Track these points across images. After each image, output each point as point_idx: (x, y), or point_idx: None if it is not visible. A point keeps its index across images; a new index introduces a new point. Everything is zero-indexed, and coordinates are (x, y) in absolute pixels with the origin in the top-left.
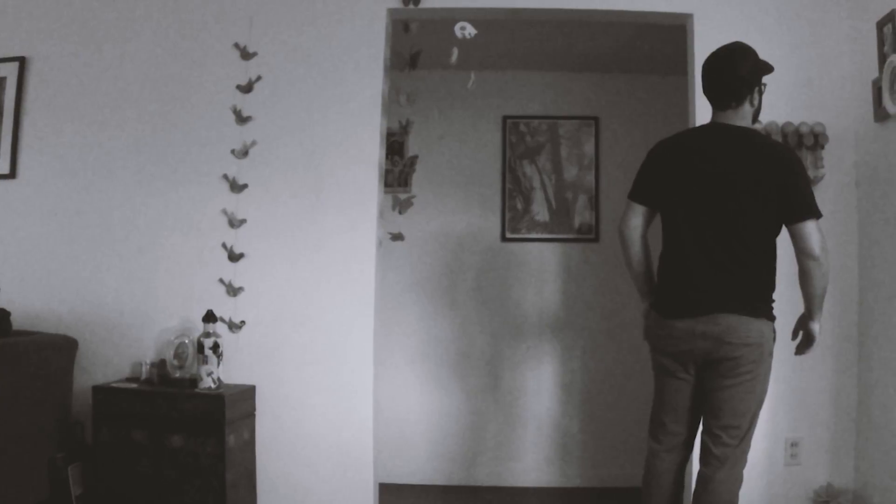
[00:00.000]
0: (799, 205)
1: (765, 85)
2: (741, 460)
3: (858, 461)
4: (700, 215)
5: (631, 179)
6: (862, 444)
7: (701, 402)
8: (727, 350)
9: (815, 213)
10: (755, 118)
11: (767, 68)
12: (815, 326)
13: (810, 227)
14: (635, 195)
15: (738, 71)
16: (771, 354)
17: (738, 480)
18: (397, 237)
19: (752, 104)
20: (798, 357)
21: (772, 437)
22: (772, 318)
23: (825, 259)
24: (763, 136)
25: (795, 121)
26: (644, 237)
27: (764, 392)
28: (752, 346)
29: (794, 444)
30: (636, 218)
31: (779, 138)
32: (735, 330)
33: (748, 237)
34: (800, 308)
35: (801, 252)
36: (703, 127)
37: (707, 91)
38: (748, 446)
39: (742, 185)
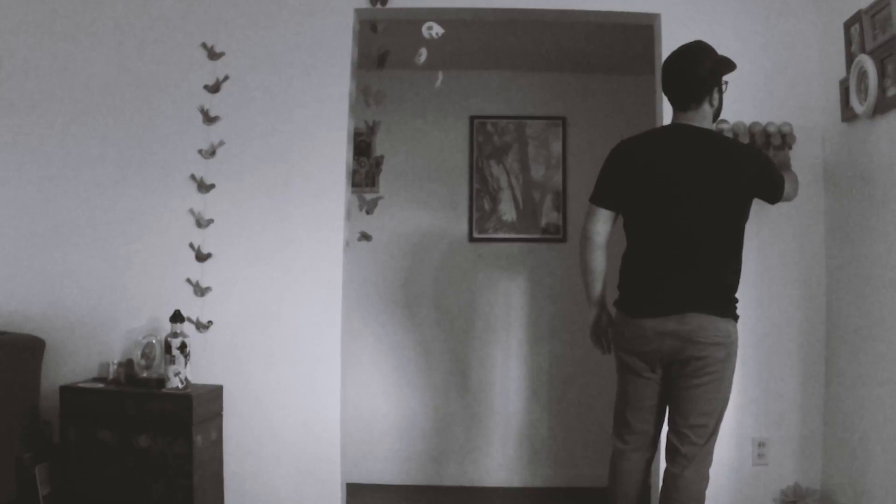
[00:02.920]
0: (772, 194)
1: (726, 84)
2: (708, 459)
3: (825, 461)
4: (666, 217)
5: None
6: (829, 445)
7: (667, 402)
8: (695, 349)
9: (782, 189)
10: (715, 118)
11: (728, 66)
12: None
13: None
14: (599, 199)
15: (697, 71)
16: (736, 353)
17: (705, 479)
18: (365, 237)
19: (711, 104)
20: (766, 357)
21: (739, 437)
22: (737, 318)
23: (795, 193)
24: (725, 137)
25: (763, 120)
26: (606, 242)
27: (729, 391)
28: (719, 345)
29: (761, 444)
30: (601, 223)
31: (746, 138)
32: (704, 329)
33: (715, 237)
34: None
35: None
36: (664, 128)
37: (667, 91)
38: (714, 445)
39: (709, 186)
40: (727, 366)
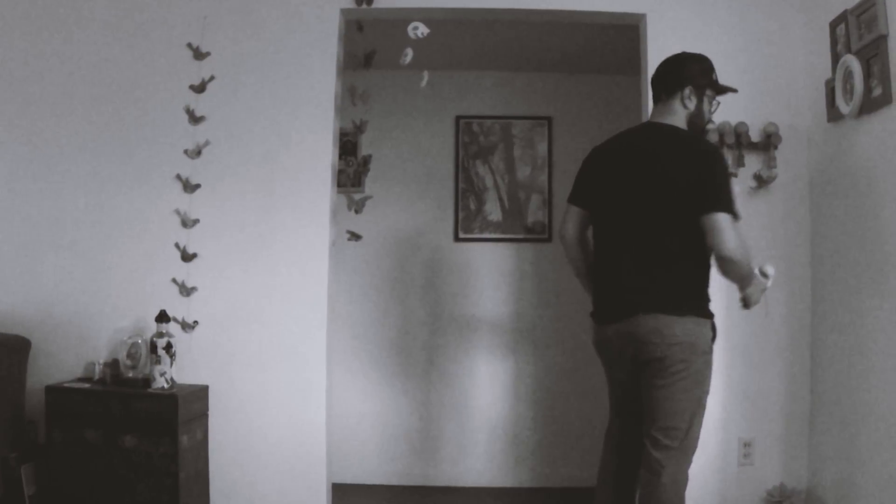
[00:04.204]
0: (708, 196)
1: (717, 103)
2: (684, 462)
3: (811, 461)
4: (620, 216)
5: None
6: (815, 445)
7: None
8: (652, 350)
9: (726, 208)
10: (695, 127)
11: (713, 82)
12: (747, 293)
13: (718, 222)
14: (571, 198)
15: (674, 62)
16: (706, 352)
17: (682, 483)
18: (355, 236)
19: (684, 105)
20: (752, 357)
21: (725, 437)
22: (704, 315)
23: (739, 256)
24: (686, 133)
25: (748, 121)
26: (581, 240)
27: (702, 391)
28: (678, 345)
29: (747, 445)
30: (570, 221)
31: (732, 138)
32: (658, 330)
33: (667, 235)
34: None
35: (711, 248)
36: (633, 127)
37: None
38: (691, 447)
39: (659, 182)
40: (693, 365)
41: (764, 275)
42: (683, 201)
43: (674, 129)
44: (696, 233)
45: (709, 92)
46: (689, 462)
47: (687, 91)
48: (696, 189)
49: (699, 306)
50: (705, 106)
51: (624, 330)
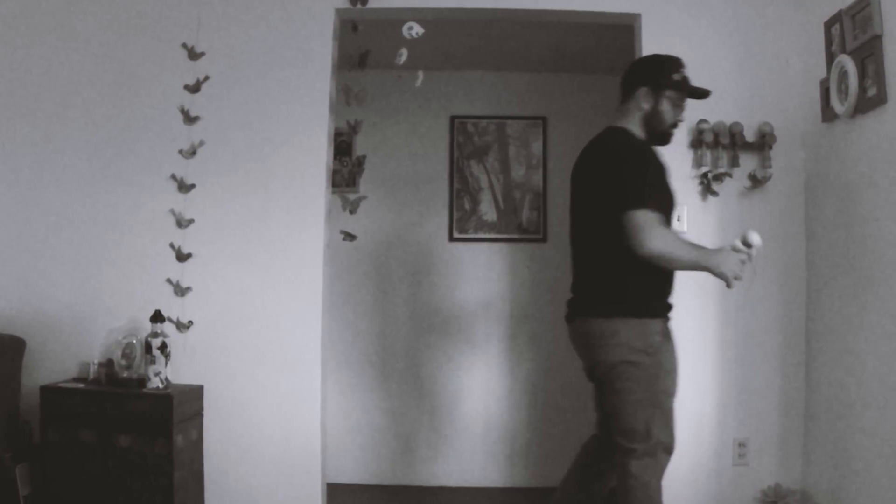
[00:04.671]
0: (617, 197)
1: (678, 101)
2: (652, 465)
3: (806, 461)
4: (571, 223)
5: None
6: (809, 444)
7: None
8: (589, 353)
9: (635, 204)
10: (650, 126)
11: (674, 82)
12: (721, 273)
13: (630, 220)
14: None
15: (635, 62)
16: (649, 353)
17: (652, 486)
18: (349, 237)
19: (639, 106)
20: (747, 357)
21: (720, 437)
22: (636, 315)
23: (662, 251)
24: (609, 134)
25: (743, 121)
26: None
27: (653, 392)
28: (614, 347)
29: (741, 445)
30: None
31: (727, 138)
32: (590, 334)
33: (597, 239)
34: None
35: (632, 250)
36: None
37: None
38: (657, 449)
39: (585, 187)
40: (635, 367)
41: (746, 244)
42: (602, 204)
43: (606, 132)
44: (621, 234)
45: (669, 93)
46: (658, 464)
47: (642, 91)
48: (608, 190)
49: (635, 307)
50: (664, 107)
51: (572, 334)
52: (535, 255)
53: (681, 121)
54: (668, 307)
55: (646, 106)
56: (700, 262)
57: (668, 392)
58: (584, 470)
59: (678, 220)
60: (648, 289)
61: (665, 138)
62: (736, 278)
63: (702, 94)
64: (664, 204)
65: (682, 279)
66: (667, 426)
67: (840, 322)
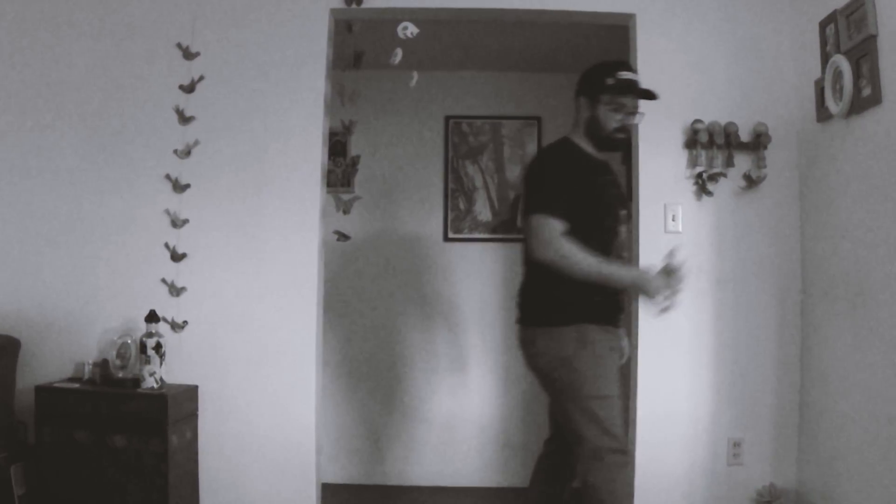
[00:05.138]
0: (523, 200)
1: (617, 106)
2: (601, 470)
3: (801, 461)
4: None
5: None
6: (804, 444)
7: None
8: (526, 360)
9: (537, 208)
10: (591, 133)
11: (607, 87)
12: (634, 286)
13: (527, 224)
14: None
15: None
16: (568, 360)
17: (604, 490)
18: (343, 237)
19: (581, 117)
20: (742, 357)
21: (714, 437)
22: (546, 324)
23: (553, 258)
24: (550, 144)
25: (738, 121)
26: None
27: (581, 398)
28: (537, 355)
29: (736, 444)
30: None
31: (721, 138)
32: (523, 342)
33: (524, 249)
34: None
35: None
36: None
37: None
38: (600, 454)
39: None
40: (558, 373)
41: (669, 272)
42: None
43: (550, 144)
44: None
45: (605, 98)
46: (608, 467)
47: (581, 101)
48: (523, 195)
49: (545, 316)
50: (600, 113)
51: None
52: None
53: (629, 124)
54: (588, 313)
55: (585, 114)
56: (612, 276)
57: (599, 395)
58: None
59: (673, 219)
60: (559, 296)
61: (611, 144)
62: (666, 302)
63: (642, 93)
64: (586, 212)
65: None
66: (603, 430)
67: (835, 322)
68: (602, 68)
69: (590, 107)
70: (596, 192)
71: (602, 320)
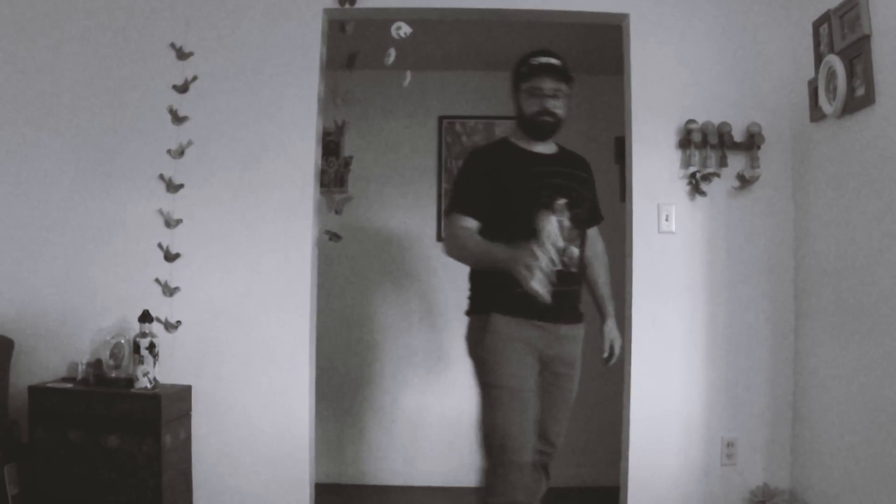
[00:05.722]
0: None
1: (533, 91)
2: (483, 455)
3: (794, 461)
4: None
5: None
6: (798, 444)
7: None
8: None
9: (446, 210)
10: (521, 125)
11: (517, 76)
12: (505, 265)
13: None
14: None
15: None
16: (476, 346)
17: (485, 476)
18: (335, 237)
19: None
20: (735, 357)
21: (708, 437)
22: (476, 312)
23: (448, 253)
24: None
25: (731, 120)
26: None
27: (483, 383)
28: (465, 342)
29: (730, 445)
30: None
31: (715, 138)
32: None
33: None
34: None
35: None
36: None
37: None
38: (484, 439)
39: None
40: (471, 359)
41: (539, 254)
42: None
43: None
44: None
45: (523, 86)
46: (485, 454)
47: (511, 97)
48: None
49: (472, 304)
50: (521, 100)
51: None
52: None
53: (547, 109)
54: (496, 304)
55: (514, 107)
56: (492, 257)
57: (497, 385)
58: None
59: (667, 219)
60: (476, 287)
61: (534, 129)
62: (532, 285)
63: (553, 72)
64: (502, 205)
65: (669, 278)
66: (490, 427)
67: (828, 322)
68: (517, 62)
69: (514, 98)
70: (518, 185)
71: (515, 312)
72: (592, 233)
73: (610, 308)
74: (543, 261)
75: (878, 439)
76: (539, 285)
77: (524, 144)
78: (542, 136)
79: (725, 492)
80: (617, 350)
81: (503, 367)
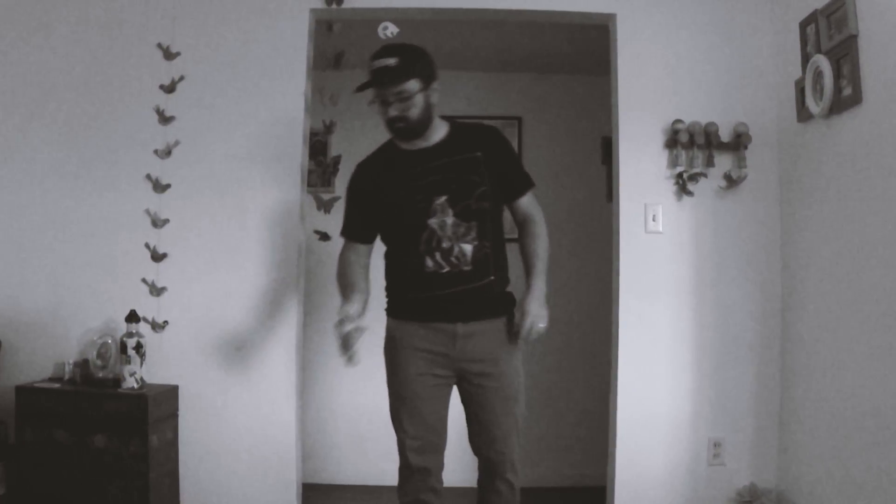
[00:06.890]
0: None
1: (380, 96)
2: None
3: (781, 461)
4: None
5: (554, 177)
6: (785, 444)
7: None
8: None
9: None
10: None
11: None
12: None
13: None
14: None
15: None
16: (384, 349)
17: (400, 486)
18: (324, 237)
19: None
20: (722, 357)
21: (695, 437)
22: (389, 315)
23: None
24: None
25: (718, 120)
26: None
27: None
28: None
29: (717, 445)
30: None
31: (702, 138)
32: None
33: None
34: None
35: None
36: None
37: None
38: (400, 445)
39: None
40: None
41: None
42: None
43: None
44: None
45: (376, 94)
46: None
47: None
48: None
49: (389, 305)
50: (377, 108)
51: None
52: (513, 254)
53: (396, 116)
54: (393, 309)
55: None
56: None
57: (392, 389)
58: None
59: (654, 219)
60: (394, 290)
61: (396, 134)
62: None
63: (377, 72)
64: (385, 216)
65: (656, 278)
66: (397, 425)
67: (815, 322)
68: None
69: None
70: (395, 194)
71: (406, 315)
72: (524, 202)
73: (538, 282)
74: (339, 331)
75: (864, 439)
76: (341, 349)
77: (406, 144)
78: (406, 140)
79: (712, 492)
80: (529, 327)
81: (394, 374)
